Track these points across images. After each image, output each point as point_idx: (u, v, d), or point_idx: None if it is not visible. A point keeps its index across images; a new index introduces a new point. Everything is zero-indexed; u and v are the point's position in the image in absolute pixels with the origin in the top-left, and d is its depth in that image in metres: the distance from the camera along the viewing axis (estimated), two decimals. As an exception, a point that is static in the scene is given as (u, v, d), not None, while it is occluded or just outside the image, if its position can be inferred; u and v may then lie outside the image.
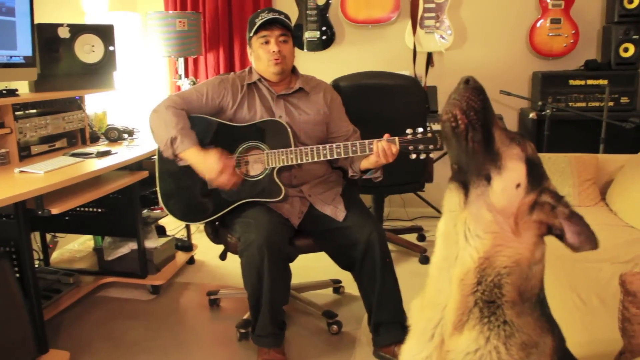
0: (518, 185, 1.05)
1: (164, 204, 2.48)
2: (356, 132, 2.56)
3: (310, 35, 4.17)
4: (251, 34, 2.43)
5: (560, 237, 1.07)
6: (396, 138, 2.21)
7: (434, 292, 1.12)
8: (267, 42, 2.39)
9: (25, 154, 2.77)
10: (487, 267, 1.05)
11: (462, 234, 1.06)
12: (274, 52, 2.38)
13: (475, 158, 1.07)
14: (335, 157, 2.30)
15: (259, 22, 2.38)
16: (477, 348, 1.03)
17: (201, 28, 4.04)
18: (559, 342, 1.11)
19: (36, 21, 2.77)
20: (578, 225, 1.05)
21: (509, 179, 1.05)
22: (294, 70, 2.55)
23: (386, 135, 2.22)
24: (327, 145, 2.29)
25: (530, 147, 1.10)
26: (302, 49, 4.18)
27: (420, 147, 2.21)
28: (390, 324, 2.34)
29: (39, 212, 2.30)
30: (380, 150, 2.19)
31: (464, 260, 1.05)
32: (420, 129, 2.21)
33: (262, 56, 2.42)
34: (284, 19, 2.40)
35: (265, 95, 2.47)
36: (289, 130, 2.35)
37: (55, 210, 2.33)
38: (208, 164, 2.28)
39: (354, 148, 2.26)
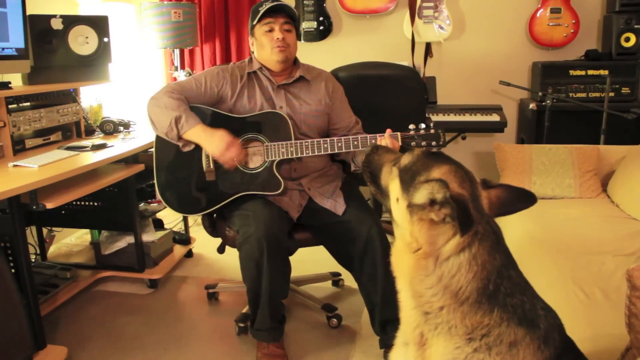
0: (397, 200, 1.19)
1: (160, 194, 2.44)
2: (358, 122, 2.52)
3: (307, 25, 4.13)
4: (254, 22, 2.38)
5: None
6: (398, 134, 2.18)
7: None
8: (271, 30, 2.35)
9: (20, 147, 2.74)
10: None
11: None
12: (278, 39, 2.34)
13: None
14: (337, 151, 2.27)
15: (262, 10, 2.33)
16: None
17: (197, 19, 3.99)
18: (549, 329, 1.10)
19: (28, 12, 2.72)
20: (454, 210, 1.06)
21: (391, 199, 1.23)
22: (295, 61, 2.50)
23: (388, 131, 2.19)
24: (328, 139, 2.26)
25: (407, 157, 1.22)
26: (299, 39, 4.13)
27: (423, 143, 2.18)
28: (398, 320, 2.30)
29: (34, 207, 2.28)
30: None
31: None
32: (423, 125, 2.18)
33: (265, 44, 2.37)
34: (288, 7, 2.36)
35: (266, 85, 2.43)
36: (290, 122, 2.32)
37: (50, 205, 2.30)
38: (215, 141, 2.24)
39: (355, 142, 2.23)
